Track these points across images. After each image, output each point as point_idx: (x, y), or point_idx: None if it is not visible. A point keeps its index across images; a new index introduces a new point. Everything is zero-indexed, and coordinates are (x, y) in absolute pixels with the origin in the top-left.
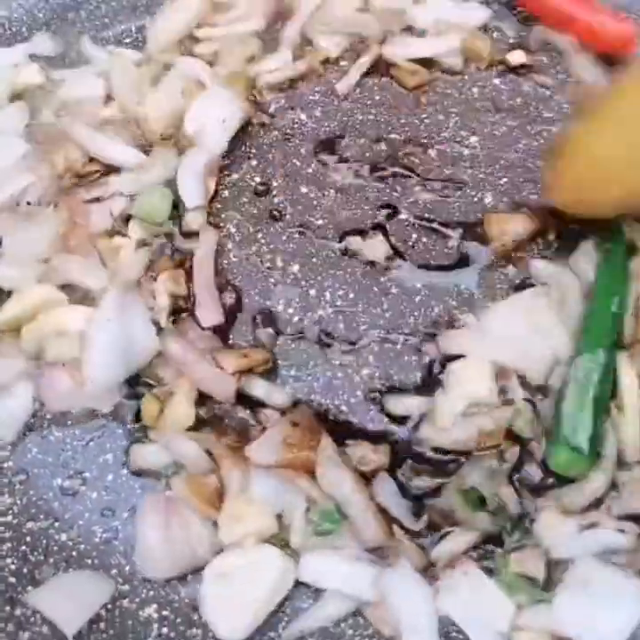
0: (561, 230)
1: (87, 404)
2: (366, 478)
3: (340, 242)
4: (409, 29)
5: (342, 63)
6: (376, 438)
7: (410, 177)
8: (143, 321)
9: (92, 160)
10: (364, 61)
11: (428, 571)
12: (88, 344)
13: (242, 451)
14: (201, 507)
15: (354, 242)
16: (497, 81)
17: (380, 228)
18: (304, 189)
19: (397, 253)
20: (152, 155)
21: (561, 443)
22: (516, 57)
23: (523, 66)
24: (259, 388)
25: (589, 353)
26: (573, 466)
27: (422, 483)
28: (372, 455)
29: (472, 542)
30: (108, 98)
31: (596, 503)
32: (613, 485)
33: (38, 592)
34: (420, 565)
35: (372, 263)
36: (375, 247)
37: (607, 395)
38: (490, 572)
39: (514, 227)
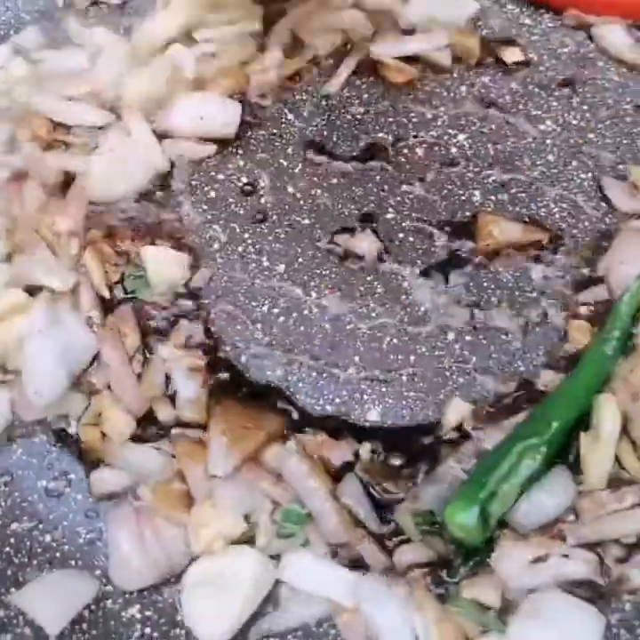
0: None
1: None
2: (335, 479)
3: (328, 241)
4: (397, 27)
5: (329, 61)
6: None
7: (397, 176)
8: (78, 324)
9: (57, 128)
10: (353, 60)
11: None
12: (25, 359)
13: (201, 453)
14: (171, 513)
15: (341, 241)
16: (485, 79)
17: (367, 227)
18: (291, 189)
19: (385, 252)
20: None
21: (468, 501)
22: (511, 54)
23: (517, 63)
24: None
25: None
26: (465, 530)
27: (386, 489)
28: (333, 446)
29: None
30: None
31: (553, 531)
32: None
33: (21, 592)
34: (381, 568)
35: (359, 262)
36: (362, 246)
37: (543, 471)
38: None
39: (504, 231)
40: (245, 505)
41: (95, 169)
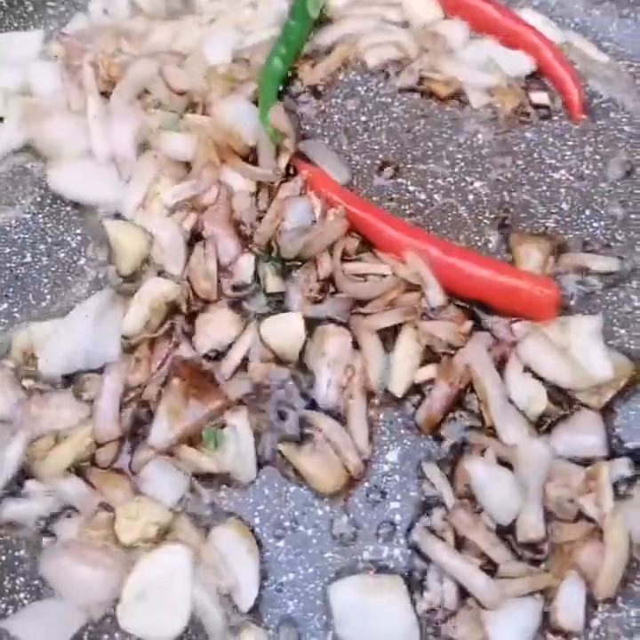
0: None
1: None
2: None
3: None
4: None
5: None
6: None
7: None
8: (114, 331)
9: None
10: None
11: None
12: (60, 327)
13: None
14: (99, 541)
15: None
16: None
17: None
18: None
19: None
20: None
21: None
22: (539, 98)
23: (541, 107)
24: None
25: None
26: None
27: None
28: None
29: None
30: None
31: None
32: None
33: (14, 619)
34: None
35: None
36: None
37: None
38: None
39: None
40: (168, 489)
41: None
